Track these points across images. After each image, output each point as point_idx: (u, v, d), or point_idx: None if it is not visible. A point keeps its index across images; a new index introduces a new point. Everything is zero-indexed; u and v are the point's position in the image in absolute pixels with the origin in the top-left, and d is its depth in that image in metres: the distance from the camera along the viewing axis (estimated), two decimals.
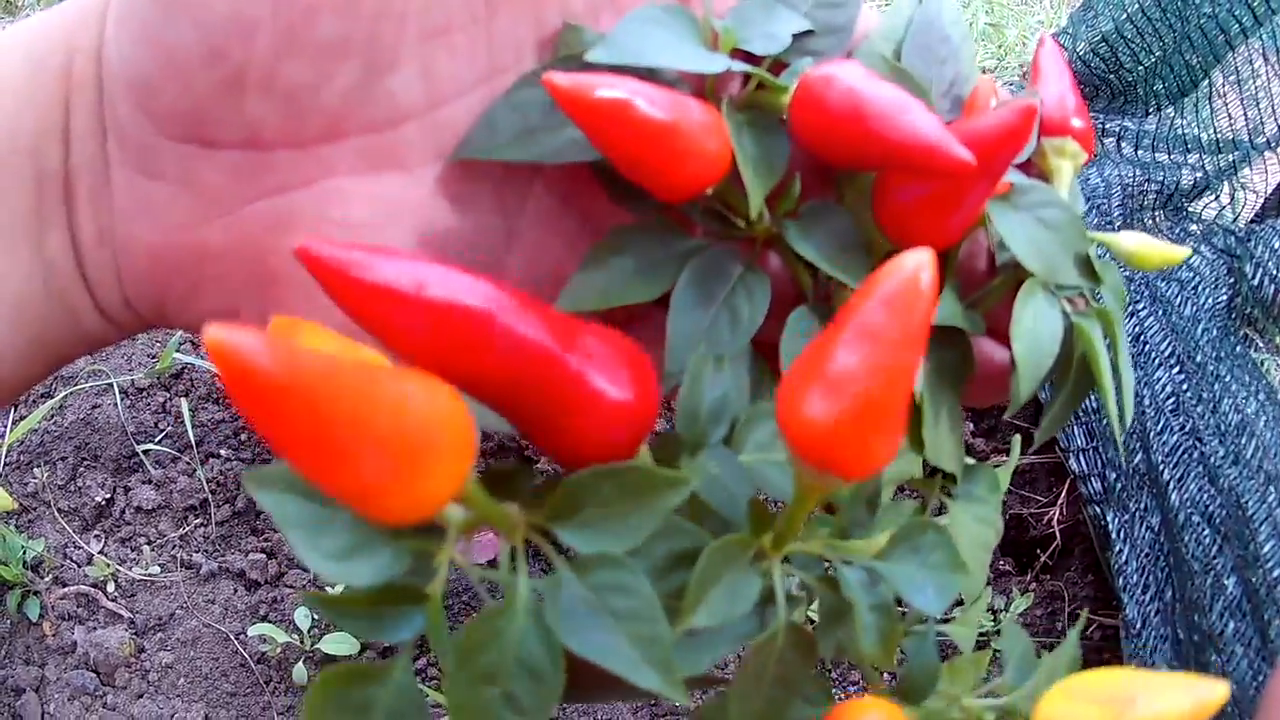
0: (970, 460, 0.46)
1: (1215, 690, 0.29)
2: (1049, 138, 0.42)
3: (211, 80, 0.31)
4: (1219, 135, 1.09)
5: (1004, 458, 1.17)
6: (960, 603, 0.76)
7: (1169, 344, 1.06)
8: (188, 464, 1.20)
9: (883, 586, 0.33)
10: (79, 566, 1.15)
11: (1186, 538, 1.02)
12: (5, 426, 1.23)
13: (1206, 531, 1.01)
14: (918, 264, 0.26)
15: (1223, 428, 1.02)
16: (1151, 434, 1.03)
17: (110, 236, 0.34)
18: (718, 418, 0.35)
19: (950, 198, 0.36)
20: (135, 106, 0.32)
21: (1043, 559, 1.11)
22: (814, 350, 0.28)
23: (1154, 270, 0.69)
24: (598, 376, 0.30)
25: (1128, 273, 1.11)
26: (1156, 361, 1.06)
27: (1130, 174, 1.12)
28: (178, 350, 1.25)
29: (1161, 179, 1.12)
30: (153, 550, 1.16)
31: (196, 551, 1.16)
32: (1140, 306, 1.09)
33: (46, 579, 1.14)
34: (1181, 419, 1.04)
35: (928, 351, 0.38)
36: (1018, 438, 0.58)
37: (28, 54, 0.33)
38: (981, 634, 1.15)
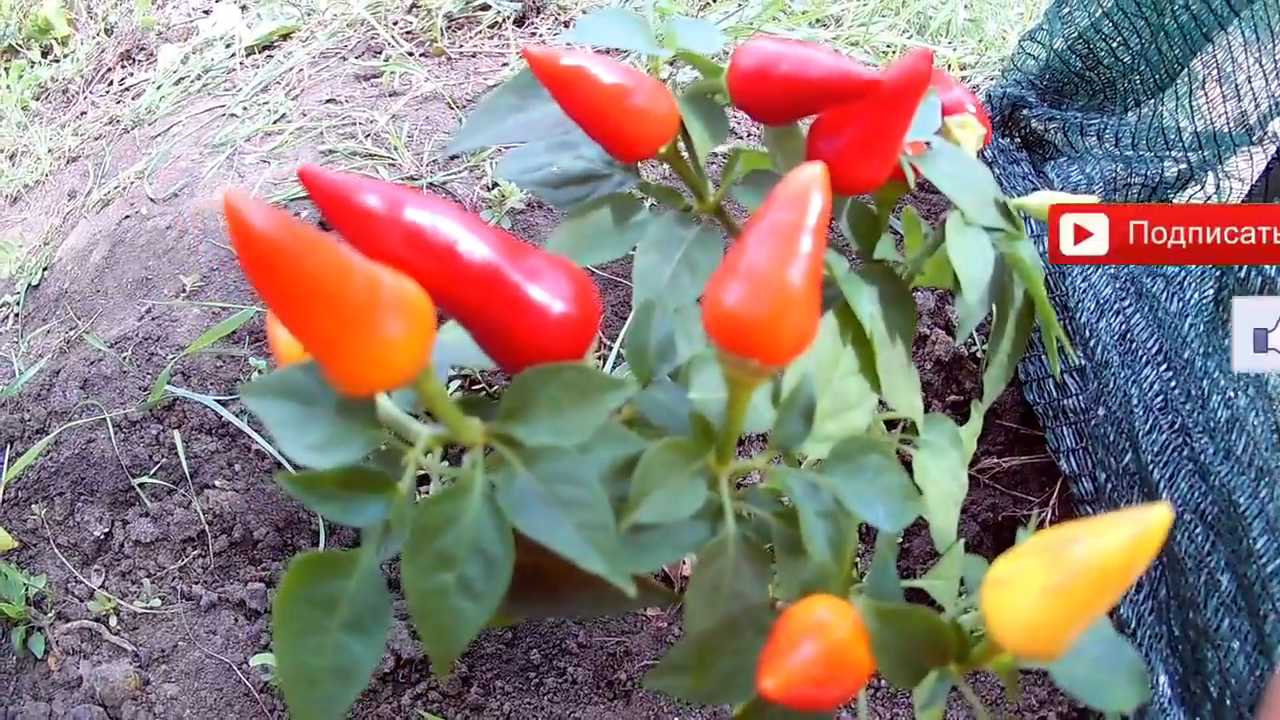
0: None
1: (1155, 516, 0.29)
2: (951, 116, 0.50)
3: None
4: (1200, 127, 1.08)
5: (995, 459, 1.17)
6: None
7: (1155, 341, 1.06)
8: (183, 496, 1.21)
9: (826, 495, 0.35)
10: (81, 601, 1.16)
11: (1179, 535, 1.02)
12: (2, 464, 1.24)
13: (1199, 528, 1.01)
14: (810, 173, 0.31)
15: (1212, 424, 1.01)
16: (1140, 433, 1.03)
17: None
18: (664, 355, 0.39)
19: (868, 142, 0.42)
20: None
21: None
22: (730, 255, 0.31)
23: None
24: (540, 290, 0.35)
25: (1112, 270, 1.11)
26: (1144, 359, 1.05)
27: (1112, 169, 1.11)
28: (169, 383, 1.25)
29: (1145, 172, 1.11)
30: (153, 583, 1.17)
31: (196, 583, 1.17)
32: (1126, 304, 1.08)
33: (50, 615, 1.15)
34: (1170, 417, 1.03)
35: (878, 305, 0.45)
36: (977, 402, 0.60)
37: None
38: None
